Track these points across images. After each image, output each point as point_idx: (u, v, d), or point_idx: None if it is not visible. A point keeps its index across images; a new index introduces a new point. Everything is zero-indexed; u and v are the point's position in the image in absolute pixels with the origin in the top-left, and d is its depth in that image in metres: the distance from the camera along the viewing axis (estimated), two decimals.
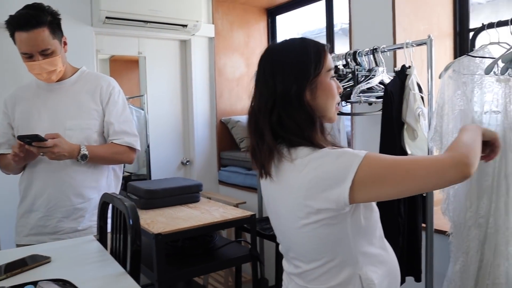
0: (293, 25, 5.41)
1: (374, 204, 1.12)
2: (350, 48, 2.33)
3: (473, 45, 1.73)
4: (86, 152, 1.70)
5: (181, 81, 3.60)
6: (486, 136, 1.14)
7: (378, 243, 1.12)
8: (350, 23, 2.36)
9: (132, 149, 1.85)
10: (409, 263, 1.91)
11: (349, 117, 2.39)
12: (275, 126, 1.07)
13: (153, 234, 1.95)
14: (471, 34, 1.82)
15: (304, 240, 1.08)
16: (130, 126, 1.85)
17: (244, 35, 3.75)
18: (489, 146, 1.18)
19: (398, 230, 1.78)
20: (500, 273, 1.63)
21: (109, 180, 1.88)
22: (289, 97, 1.05)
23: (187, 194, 2.59)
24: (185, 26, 3.24)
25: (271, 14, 3.83)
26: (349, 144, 2.37)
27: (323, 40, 3.27)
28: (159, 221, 2.15)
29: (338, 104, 1.15)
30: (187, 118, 3.63)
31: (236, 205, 3.24)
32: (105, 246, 1.54)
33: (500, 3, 4.35)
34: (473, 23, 2.53)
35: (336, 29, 3.30)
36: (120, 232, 1.40)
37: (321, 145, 1.04)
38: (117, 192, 1.92)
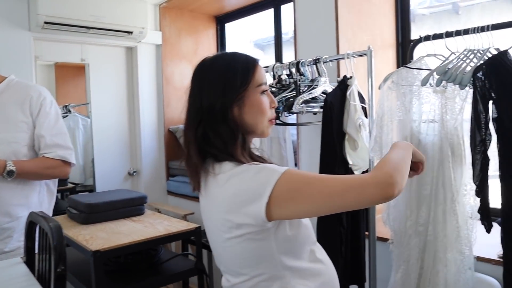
0: (243, 33, 5.40)
1: (303, 219, 1.10)
2: (295, 58, 2.33)
3: (411, 57, 1.77)
4: (13, 168, 1.59)
5: (127, 89, 3.49)
6: (415, 157, 1.14)
7: (310, 257, 1.11)
8: (295, 33, 2.36)
9: (66, 162, 1.75)
10: (353, 272, 1.92)
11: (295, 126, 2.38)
12: (200, 141, 1.06)
13: (91, 251, 1.85)
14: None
15: (229, 254, 1.08)
16: (64, 139, 1.75)
17: (192, 43, 3.70)
18: (414, 167, 1.18)
19: (341, 239, 1.78)
20: (439, 279, 1.66)
21: (41, 196, 1.77)
22: (214, 112, 1.04)
23: (130, 207, 2.49)
24: (130, 33, 3.15)
25: (220, 21, 3.80)
26: (295, 154, 2.36)
27: (271, 48, 3.30)
28: (99, 236, 2.05)
29: (271, 120, 1.13)
30: (134, 127, 3.53)
31: (184, 216, 3.17)
32: (33, 268, 1.44)
33: (442, 15, 4.52)
34: (417, 34, 2.61)
35: (287, 37, 3.31)
36: (46, 254, 1.31)
37: (241, 160, 1.04)
38: (51, 209, 1.81)
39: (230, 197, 1.01)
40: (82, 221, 2.29)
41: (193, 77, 1.13)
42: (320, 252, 1.16)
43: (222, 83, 1.05)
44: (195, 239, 2.28)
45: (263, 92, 1.10)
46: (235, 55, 1.12)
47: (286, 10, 3.15)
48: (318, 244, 1.17)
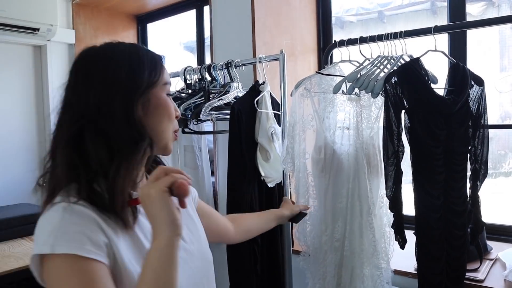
0: (171, 34, 5.18)
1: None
2: (212, 62, 2.19)
3: (326, 62, 1.68)
4: None
5: (35, 92, 3.17)
6: None
7: None
8: (211, 35, 2.22)
9: None
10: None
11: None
12: (71, 153, 0.82)
13: None
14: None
15: None
16: None
17: None
18: None
19: (255, 258, 1.65)
20: None
21: None
22: (108, 113, 0.82)
23: (29, 224, 2.24)
24: (37, 30, 2.86)
25: (142, 21, 3.58)
26: (212, 163, 2.22)
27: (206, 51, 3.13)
28: None
29: (175, 131, 0.95)
30: (44, 133, 3.21)
31: None
32: None
33: (369, 22, 4.59)
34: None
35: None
36: None
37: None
38: None
39: None
40: None
41: (76, 67, 0.88)
42: None
43: (124, 74, 0.84)
44: None
45: (168, 94, 0.92)
46: (136, 45, 0.91)
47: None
48: None
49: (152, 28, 3.65)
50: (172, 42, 5.48)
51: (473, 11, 3.31)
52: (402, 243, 1.38)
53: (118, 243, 0.80)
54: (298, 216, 1.54)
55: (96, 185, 0.83)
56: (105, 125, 0.82)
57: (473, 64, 1.99)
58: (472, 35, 2.04)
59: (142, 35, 3.61)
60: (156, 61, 0.90)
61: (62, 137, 0.84)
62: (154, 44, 3.77)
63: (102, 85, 0.83)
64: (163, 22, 3.59)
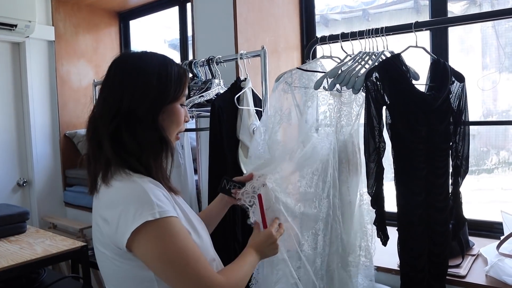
0: (155, 32, 5.12)
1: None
2: (194, 58, 2.16)
3: (308, 59, 1.67)
4: None
5: (14, 90, 3.10)
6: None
7: None
8: (193, 32, 2.19)
9: None
10: None
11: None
12: (114, 138, 0.98)
13: None
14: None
15: (106, 269, 1.02)
16: None
17: (92, 40, 3.39)
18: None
19: (235, 255, 1.62)
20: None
21: None
22: (137, 116, 0.98)
23: (8, 225, 2.19)
24: (14, 26, 2.79)
25: (124, 18, 3.53)
26: (195, 161, 2.19)
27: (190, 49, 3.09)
28: None
29: (178, 134, 1.10)
30: (24, 132, 3.15)
31: (81, 231, 2.87)
32: None
33: (353, 20, 4.60)
34: None
35: None
36: None
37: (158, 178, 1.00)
38: None
39: (107, 205, 0.96)
40: None
41: (113, 67, 1.03)
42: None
43: (154, 86, 0.99)
44: (82, 259, 2.03)
45: (181, 104, 1.07)
46: (166, 59, 1.05)
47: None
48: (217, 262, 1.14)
49: (136, 25, 3.61)
50: (156, 40, 5.42)
51: (455, 10, 3.33)
52: (384, 239, 1.38)
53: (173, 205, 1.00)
54: (224, 185, 1.31)
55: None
56: (135, 125, 0.98)
57: (456, 62, 2.00)
58: (454, 34, 2.06)
59: (125, 32, 3.56)
60: (181, 77, 1.05)
61: (104, 130, 0.98)
62: (138, 42, 3.73)
63: (134, 92, 0.98)
64: (147, 20, 3.55)
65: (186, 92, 1.07)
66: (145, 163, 0.98)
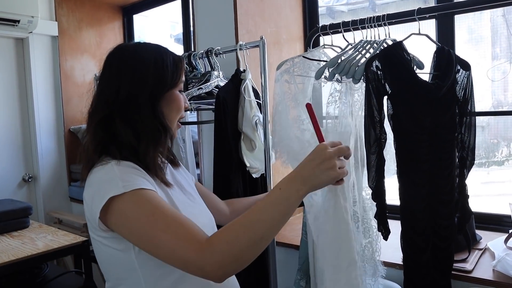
0: (161, 26, 5.10)
1: None
2: (195, 51, 2.13)
3: (310, 48, 1.62)
4: None
5: (18, 85, 3.10)
6: (318, 185, 0.91)
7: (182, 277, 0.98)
8: (193, 24, 2.16)
9: None
10: (258, 281, 1.75)
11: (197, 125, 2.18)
12: (103, 133, 0.99)
13: None
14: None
15: (97, 255, 1.02)
16: None
17: (95, 35, 3.38)
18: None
19: None
20: None
21: None
22: (136, 103, 0.98)
23: (11, 220, 2.19)
24: (17, 22, 2.79)
25: (127, 12, 3.51)
26: (197, 155, 2.16)
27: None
28: None
29: (179, 120, 1.10)
30: (28, 127, 3.15)
31: (85, 226, 2.86)
32: None
33: (360, 12, 4.54)
34: None
35: None
36: None
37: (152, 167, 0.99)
38: None
39: (86, 188, 0.97)
40: None
41: (109, 60, 1.05)
42: None
43: (151, 75, 1.00)
44: (83, 253, 2.02)
45: (180, 90, 1.08)
46: (160, 47, 1.07)
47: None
48: None
49: (142, 21, 3.58)
50: (162, 34, 5.41)
51: None
52: (386, 233, 1.34)
53: (158, 189, 0.98)
54: None
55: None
56: (133, 114, 0.98)
57: (465, 53, 1.95)
58: (463, 24, 2.00)
59: (128, 26, 3.53)
60: (177, 63, 1.05)
61: (94, 118, 1.00)
62: (143, 37, 3.71)
63: (131, 81, 0.99)
64: (153, 15, 3.52)
65: (183, 78, 1.08)
66: (143, 152, 0.98)
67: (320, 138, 0.99)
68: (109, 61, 1.05)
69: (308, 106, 1.02)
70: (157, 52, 1.04)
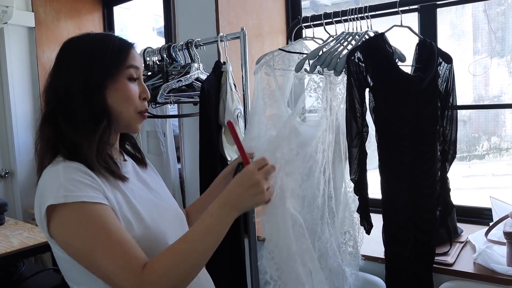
0: (141, 20, 5.01)
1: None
2: (175, 42, 2.08)
3: (291, 40, 1.60)
4: None
5: None
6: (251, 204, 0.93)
7: None
8: (173, 16, 2.11)
9: None
10: (234, 278, 1.74)
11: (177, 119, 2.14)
12: (50, 131, 0.94)
13: None
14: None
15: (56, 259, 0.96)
16: None
17: (74, 27, 3.29)
18: None
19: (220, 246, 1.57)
20: None
21: None
22: (72, 94, 0.93)
23: None
24: None
25: (107, 3, 3.43)
26: (178, 149, 2.12)
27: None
28: None
29: (141, 112, 1.02)
30: (4, 121, 3.06)
31: None
32: None
33: (343, 6, 4.53)
34: None
35: None
36: None
37: (95, 165, 0.92)
38: None
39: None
40: None
41: (55, 57, 0.99)
42: None
43: (86, 61, 0.95)
44: None
45: (133, 79, 0.99)
46: (107, 34, 1.02)
47: None
48: None
49: (124, 13, 3.51)
50: (144, 27, 5.32)
51: None
52: (368, 227, 1.33)
53: (107, 191, 0.92)
54: (238, 168, 1.37)
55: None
56: (70, 107, 0.93)
57: (447, 47, 1.95)
58: (445, 18, 2.00)
59: (108, 18, 3.45)
60: (121, 49, 0.98)
61: (41, 116, 0.96)
62: (125, 30, 3.63)
63: (67, 73, 0.95)
64: (136, 8, 3.45)
65: (135, 64, 0.99)
66: (85, 147, 0.91)
67: (245, 159, 0.97)
68: (55, 57, 1.00)
69: (229, 124, 0.99)
70: (99, 40, 0.99)
